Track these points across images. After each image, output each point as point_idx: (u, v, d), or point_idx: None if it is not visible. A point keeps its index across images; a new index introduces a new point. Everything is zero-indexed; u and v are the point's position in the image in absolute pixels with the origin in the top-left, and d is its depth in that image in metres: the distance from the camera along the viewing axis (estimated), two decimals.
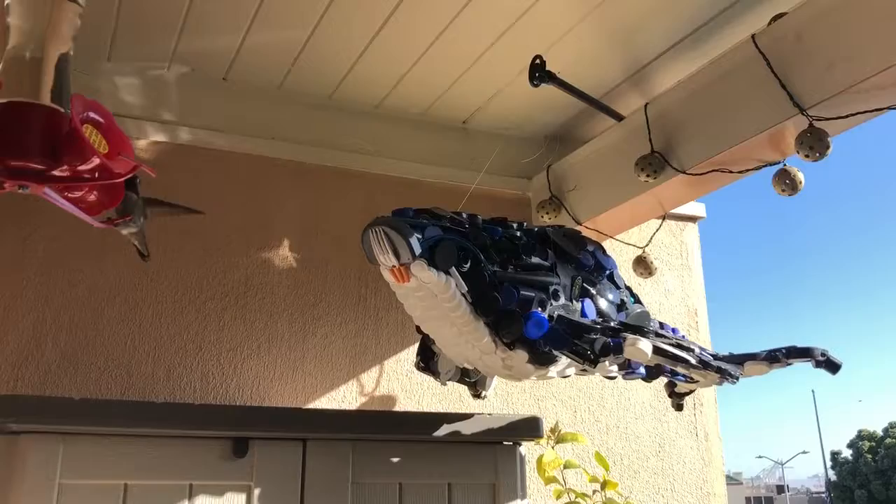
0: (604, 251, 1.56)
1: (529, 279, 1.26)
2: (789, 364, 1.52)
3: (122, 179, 0.93)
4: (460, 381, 1.59)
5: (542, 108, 2.12)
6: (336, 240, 2.05)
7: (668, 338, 1.35)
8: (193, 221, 1.92)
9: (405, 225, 1.18)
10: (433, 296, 1.22)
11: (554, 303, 1.27)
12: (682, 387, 1.66)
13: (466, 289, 1.20)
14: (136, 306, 1.84)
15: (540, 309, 1.23)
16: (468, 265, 1.19)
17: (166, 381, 1.81)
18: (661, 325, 1.63)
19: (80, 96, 0.94)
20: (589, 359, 1.22)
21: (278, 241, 2.00)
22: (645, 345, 1.21)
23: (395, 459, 1.46)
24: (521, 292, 1.22)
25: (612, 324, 1.31)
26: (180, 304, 1.88)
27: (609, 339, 1.23)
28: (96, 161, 0.88)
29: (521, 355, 1.25)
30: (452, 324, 1.25)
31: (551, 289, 1.28)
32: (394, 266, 1.20)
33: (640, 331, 1.27)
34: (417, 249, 1.16)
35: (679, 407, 1.74)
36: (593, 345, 1.22)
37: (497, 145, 2.25)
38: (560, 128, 2.24)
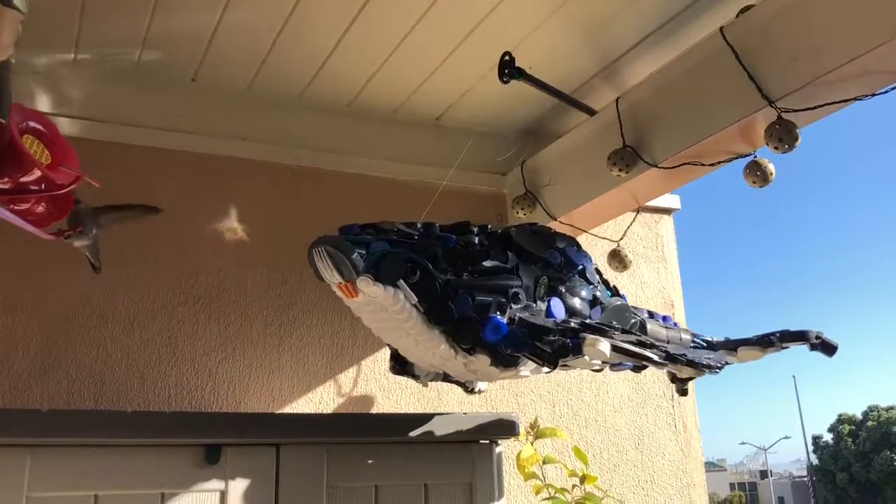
0: (577, 247, 1.56)
1: (486, 284, 1.27)
2: (784, 348, 1.53)
3: (66, 191, 0.90)
4: (446, 379, 1.57)
5: (515, 104, 2.11)
6: (310, 240, 2.02)
7: (639, 334, 1.36)
8: (164, 225, 1.89)
9: (346, 243, 1.19)
10: (384, 309, 1.23)
11: (514, 305, 1.28)
12: (682, 373, 1.65)
13: (417, 299, 1.21)
14: (108, 313, 1.81)
15: (499, 313, 1.24)
16: (417, 276, 1.21)
17: (140, 388, 1.79)
18: (651, 315, 1.62)
19: (19, 105, 0.91)
20: (547, 360, 1.24)
21: (251, 243, 1.98)
22: (604, 345, 1.21)
23: (371, 462, 1.46)
24: (477, 298, 1.23)
25: (573, 323, 1.29)
26: (152, 310, 1.85)
27: (568, 340, 1.23)
28: (38, 173, 0.86)
29: (482, 359, 1.26)
30: (408, 334, 1.26)
31: (511, 291, 1.29)
32: (340, 283, 1.21)
33: (601, 330, 1.26)
34: (360, 266, 1.17)
35: (683, 392, 1.75)
36: (552, 346, 1.23)
37: (470, 142, 2.24)
38: (534, 123, 2.23)
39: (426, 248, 1.25)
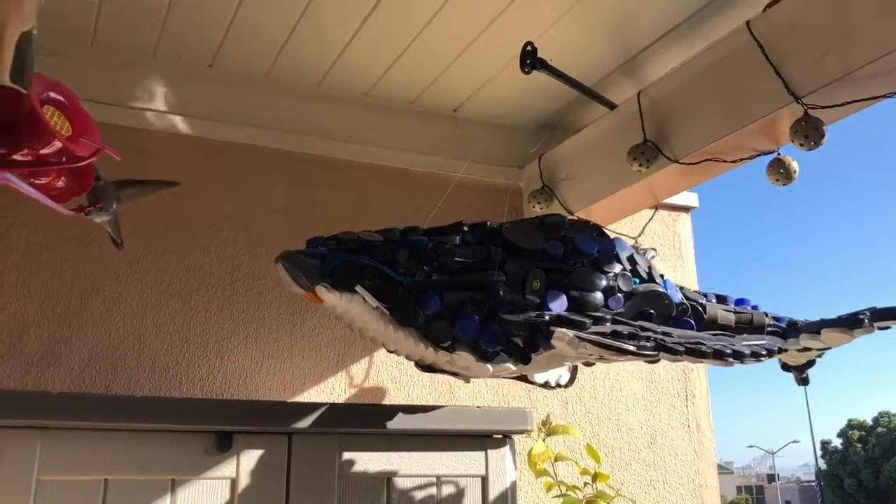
0: (596, 234, 1.51)
1: (457, 282, 1.30)
2: (881, 328, 1.36)
3: (86, 163, 0.89)
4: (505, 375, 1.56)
5: (534, 97, 2.09)
6: (325, 229, 1.97)
7: (632, 324, 1.27)
8: (179, 211, 1.89)
9: (299, 256, 1.28)
10: (348, 313, 1.29)
11: (494, 301, 1.29)
12: (789, 358, 1.54)
13: (377, 303, 1.26)
14: (121, 298, 1.81)
15: (475, 309, 1.27)
16: (375, 281, 1.26)
17: (151, 373, 1.79)
18: (722, 298, 1.57)
19: (41, 75, 0.90)
20: (517, 356, 1.25)
21: (265, 231, 1.97)
22: (570, 339, 1.17)
23: (383, 453, 1.44)
24: (447, 296, 1.27)
25: (546, 317, 1.26)
26: (165, 296, 1.85)
27: (538, 334, 1.23)
28: (58, 145, 0.84)
29: (465, 356, 1.28)
30: (384, 335, 1.30)
31: (491, 287, 1.29)
32: (304, 292, 1.28)
33: (574, 322, 1.22)
34: (315, 276, 1.25)
35: (802, 381, 1.61)
36: (523, 341, 1.24)
37: (488, 134, 2.22)
38: (552, 116, 2.21)
39: (386, 253, 1.30)
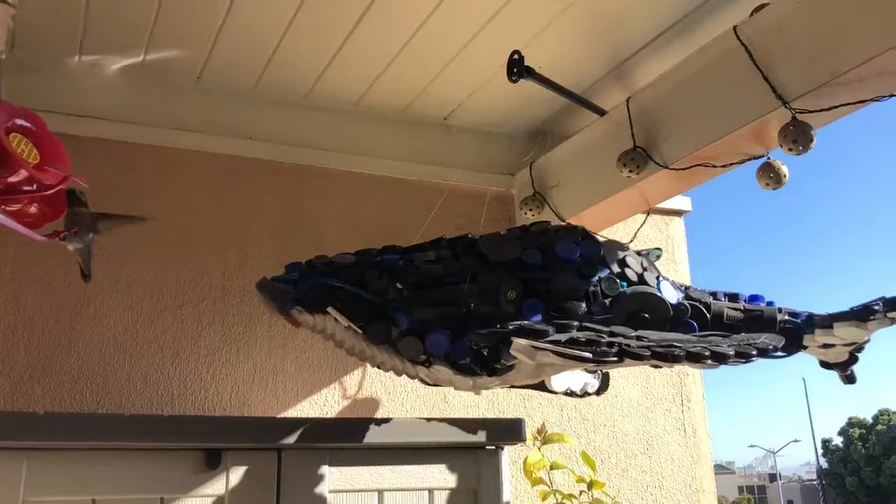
0: (576, 240, 1.47)
1: (429, 297, 1.32)
2: (890, 319, 1.28)
3: (55, 191, 0.88)
4: (523, 386, 1.56)
5: (524, 105, 2.09)
6: (315, 240, 2.01)
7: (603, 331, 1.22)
8: (168, 225, 1.88)
9: (273, 283, 1.34)
10: (324, 332, 1.34)
11: (467, 313, 1.30)
12: (822, 355, 1.46)
13: (349, 323, 1.30)
14: (111, 312, 1.80)
15: (448, 323, 1.29)
16: (345, 302, 1.31)
17: (143, 388, 1.77)
18: (713, 294, 1.52)
19: (6, 103, 0.89)
20: (483, 369, 1.26)
21: (256, 243, 1.96)
22: (525, 348, 1.15)
23: (374, 467, 1.43)
24: (417, 313, 1.30)
25: (510, 326, 1.23)
26: (156, 310, 1.84)
27: (500, 345, 1.22)
28: (24, 173, 0.83)
29: (443, 370, 1.29)
30: (363, 353, 1.34)
31: (461, 301, 1.31)
32: (283, 316, 1.34)
33: (536, 331, 1.18)
34: (286, 302, 1.31)
35: (848, 379, 1.52)
36: (488, 353, 1.25)
37: (479, 142, 2.21)
38: (543, 124, 2.20)
39: (353, 274, 1.34)
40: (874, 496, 28.60)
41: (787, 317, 1.47)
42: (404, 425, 1.53)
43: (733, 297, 1.52)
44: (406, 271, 1.35)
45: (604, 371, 1.74)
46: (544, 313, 1.32)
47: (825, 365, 1.50)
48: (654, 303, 1.40)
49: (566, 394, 1.70)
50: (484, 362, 1.27)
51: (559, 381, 1.65)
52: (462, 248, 1.41)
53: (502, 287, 1.32)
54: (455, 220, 2.07)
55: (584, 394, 1.72)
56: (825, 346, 1.45)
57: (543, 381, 1.61)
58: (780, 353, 1.35)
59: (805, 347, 1.44)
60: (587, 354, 1.12)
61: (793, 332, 1.43)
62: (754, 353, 1.17)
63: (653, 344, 1.16)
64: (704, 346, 1.17)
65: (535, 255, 1.39)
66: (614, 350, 1.13)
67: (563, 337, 1.16)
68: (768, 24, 1.48)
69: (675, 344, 1.16)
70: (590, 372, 1.71)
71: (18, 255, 1.74)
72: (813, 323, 1.44)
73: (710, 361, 1.14)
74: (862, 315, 1.29)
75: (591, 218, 2.00)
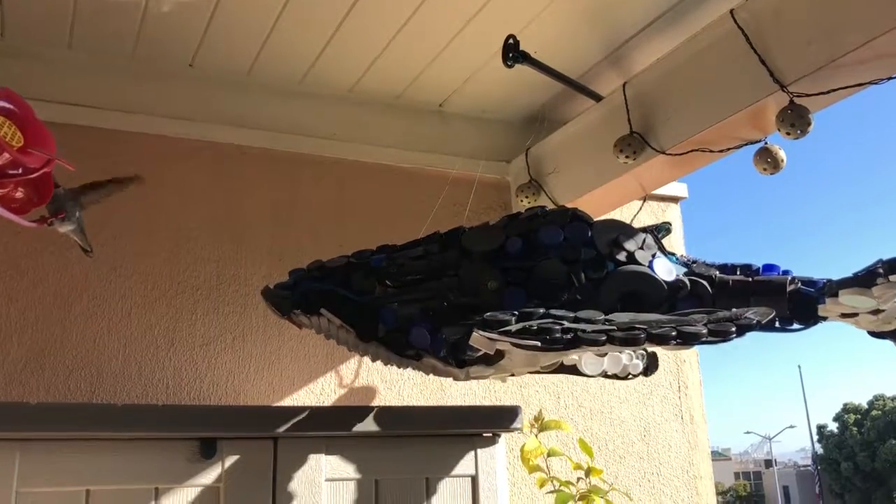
0: (563, 223, 1.40)
1: (412, 293, 1.35)
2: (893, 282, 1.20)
3: (39, 174, 0.86)
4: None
5: (520, 90, 2.07)
6: (310, 228, 2.00)
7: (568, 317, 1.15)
8: (162, 213, 1.87)
9: (274, 291, 1.42)
10: (323, 332, 1.40)
11: (448, 306, 1.32)
12: (860, 323, 1.34)
13: (341, 322, 1.35)
14: (105, 302, 1.78)
15: (430, 317, 1.31)
16: (336, 303, 1.36)
17: (137, 379, 1.76)
18: (723, 267, 1.43)
19: None
20: (453, 362, 1.27)
21: (250, 232, 1.95)
22: (481, 340, 1.14)
23: (371, 455, 1.42)
24: (401, 309, 1.33)
25: (485, 317, 1.18)
26: (150, 299, 1.82)
27: (462, 337, 1.24)
28: (7, 156, 0.81)
29: (433, 362, 1.30)
30: (359, 349, 1.38)
31: (439, 294, 1.33)
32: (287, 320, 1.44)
33: (499, 321, 1.14)
34: (286, 307, 1.39)
35: None
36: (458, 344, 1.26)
37: (474, 129, 2.20)
38: (538, 110, 2.18)
39: (341, 276, 1.39)
40: (869, 481, 28.80)
41: (799, 286, 1.37)
42: (401, 413, 1.53)
43: (745, 269, 1.43)
44: (390, 269, 1.39)
45: (647, 352, 1.66)
46: (526, 301, 1.29)
47: (874, 335, 1.37)
48: (645, 282, 1.33)
49: (605, 376, 1.62)
50: (454, 354, 1.27)
51: (592, 364, 1.59)
52: (449, 241, 1.41)
53: (481, 277, 1.31)
54: (452, 208, 2.06)
55: (628, 375, 1.65)
56: (846, 314, 1.33)
57: (576, 366, 1.57)
58: (796, 327, 1.29)
59: (823, 318, 1.35)
60: (536, 343, 1.08)
61: (806, 303, 1.34)
62: (733, 329, 1.08)
63: (612, 328, 1.10)
64: (673, 325, 1.09)
65: (516, 244, 1.36)
66: (568, 337, 1.08)
67: (511, 327, 1.12)
68: (766, 7, 1.47)
69: (637, 326, 1.09)
70: (631, 354, 1.62)
71: (9, 245, 1.72)
72: (821, 292, 1.34)
73: (675, 342, 1.06)
74: (865, 281, 1.22)
75: (588, 204, 1.99)
